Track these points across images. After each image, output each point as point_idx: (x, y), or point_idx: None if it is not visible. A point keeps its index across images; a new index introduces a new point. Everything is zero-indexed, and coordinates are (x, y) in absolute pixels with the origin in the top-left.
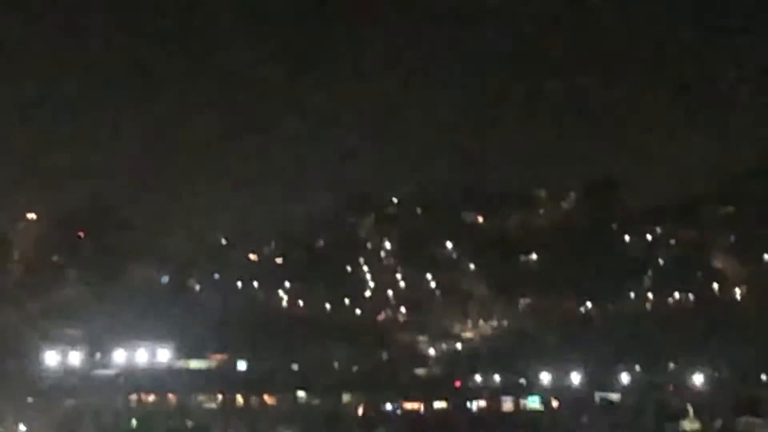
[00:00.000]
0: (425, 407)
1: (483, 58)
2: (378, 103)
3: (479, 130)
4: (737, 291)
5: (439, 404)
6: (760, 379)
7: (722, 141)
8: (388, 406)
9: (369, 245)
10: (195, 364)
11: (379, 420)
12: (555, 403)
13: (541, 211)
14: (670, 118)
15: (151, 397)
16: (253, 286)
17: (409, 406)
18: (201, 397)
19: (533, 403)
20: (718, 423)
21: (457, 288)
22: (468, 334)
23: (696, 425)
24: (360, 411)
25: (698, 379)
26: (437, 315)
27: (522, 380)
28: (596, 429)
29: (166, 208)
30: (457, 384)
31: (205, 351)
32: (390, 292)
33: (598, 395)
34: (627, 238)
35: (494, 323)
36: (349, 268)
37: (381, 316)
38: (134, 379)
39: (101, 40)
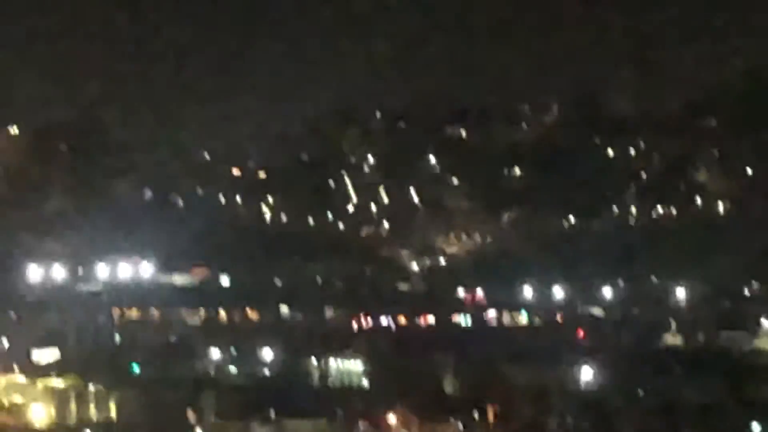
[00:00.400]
0: (410, 322)
1: None
2: (362, 14)
3: (461, 43)
4: (721, 205)
5: (423, 319)
6: (742, 293)
7: (707, 53)
8: (383, 321)
9: (352, 159)
10: (178, 278)
11: (366, 335)
12: (538, 318)
13: (524, 125)
14: (654, 28)
15: (134, 312)
16: (236, 200)
17: (403, 320)
18: (184, 312)
19: (521, 317)
20: (700, 337)
21: (441, 203)
22: (451, 249)
23: (679, 339)
24: (346, 325)
25: (681, 293)
26: (420, 230)
27: (506, 295)
28: (580, 343)
29: (149, 123)
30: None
31: (188, 266)
32: (373, 207)
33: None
34: (610, 151)
35: (477, 238)
36: (332, 183)
37: (364, 231)
38: (117, 293)
39: None
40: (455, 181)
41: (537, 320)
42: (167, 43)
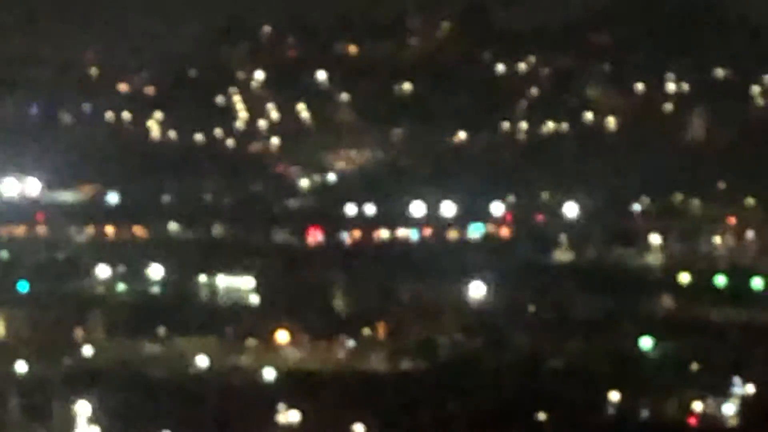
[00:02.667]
0: (299, 238)
1: None
2: None
3: None
4: (610, 120)
5: (313, 235)
6: (631, 210)
7: None
8: (273, 238)
9: (241, 75)
10: (65, 196)
11: (256, 252)
12: (428, 234)
13: (414, 39)
14: None
15: (21, 229)
16: (123, 116)
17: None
18: (71, 230)
19: (411, 233)
20: (591, 253)
21: (330, 118)
22: (341, 165)
23: (569, 255)
24: (234, 242)
25: (571, 208)
26: (309, 145)
27: (396, 211)
28: (470, 259)
29: (35, 37)
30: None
31: (75, 183)
32: (262, 123)
33: (471, 226)
34: (500, 66)
35: (367, 153)
36: (220, 99)
37: (253, 147)
38: (2, 210)
39: None
40: (344, 96)
41: (427, 237)
42: None
